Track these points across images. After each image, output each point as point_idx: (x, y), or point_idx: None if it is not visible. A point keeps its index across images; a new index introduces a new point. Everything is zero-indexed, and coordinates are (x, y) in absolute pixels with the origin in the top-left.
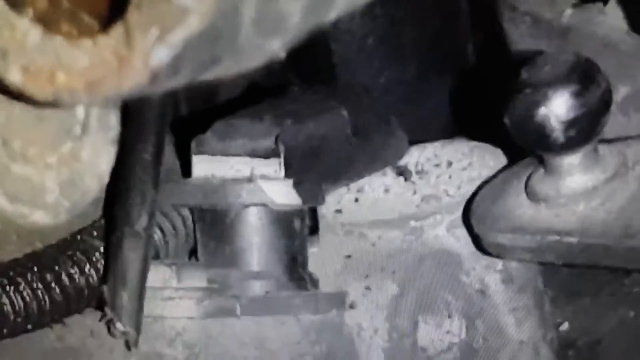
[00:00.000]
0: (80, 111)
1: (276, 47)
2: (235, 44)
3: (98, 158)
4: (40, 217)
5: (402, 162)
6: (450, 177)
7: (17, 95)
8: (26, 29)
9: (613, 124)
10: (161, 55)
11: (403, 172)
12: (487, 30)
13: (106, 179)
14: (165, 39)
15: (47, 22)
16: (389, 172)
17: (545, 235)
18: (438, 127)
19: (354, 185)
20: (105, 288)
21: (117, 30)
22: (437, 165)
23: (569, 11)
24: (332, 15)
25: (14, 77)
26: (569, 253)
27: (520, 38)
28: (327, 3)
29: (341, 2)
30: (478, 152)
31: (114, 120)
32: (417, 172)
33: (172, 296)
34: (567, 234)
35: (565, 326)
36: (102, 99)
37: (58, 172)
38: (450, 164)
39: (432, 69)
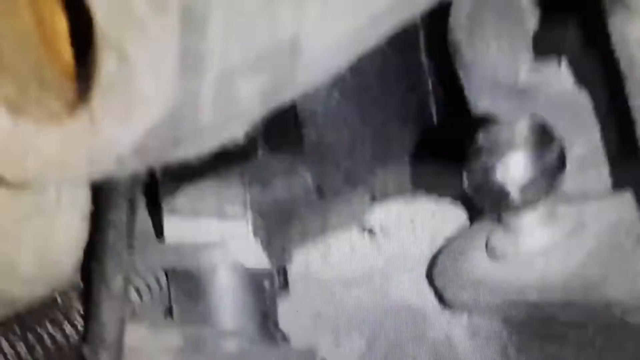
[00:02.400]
0: (52, 189)
1: (237, 130)
2: (196, 127)
3: (71, 234)
4: (17, 292)
5: (366, 221)
6: (413, 235)
7: None
8: None
9: (571, 181)
10: (125, 141)
11: (368, 231)
12: (448, 88)
13: (79, 253)
14: (128, 126)
15: (16, 108)
16: (355, 231)
17: (505, 292)
18: (402, 184)
19: (321, 244)
20: (85, 348)
21: (82, 116)
22: (400, 224)
23: (525, 72)
24: (290, 96)
25: None
26: (529, 309)
27: (479, 98)
28: (285, 86)
29: (300, 85)
30: (440, 210)
31: (84, 197)
32: (382, 231)
33: (149, 355)
34: (527, 291)
35: None
36: (70, 181)
37: (33, 248)
38: (413, 222)
39: (396, 124)
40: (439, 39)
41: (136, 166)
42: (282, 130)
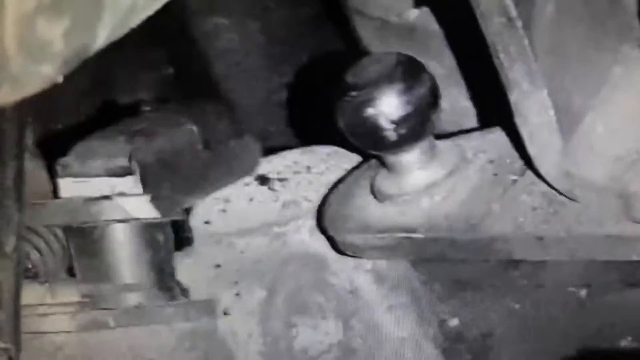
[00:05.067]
0: None
1: (50, 72)
2: (7, 71)
3: None
4: None
5: (264, 172)
6: (309, 182)
7: None
8: None
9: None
10: None
11: (265, 181)
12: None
13: None
14: None
15: None
16: (253, 182)
17: (392, 233)
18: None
19: (221, 197)
20: None
21: None
22: (297, 172)
23: (414, 11)
24: (99, 41)
25: None
26: (417, 248)
27: (371, 41)
28: (88, 29)
29: (105, 29)
30: (335, 157)
31: None
32: (279, 180)
33: (47, 312)
34: (413, 230)
35: (453, 321)
36: None
37: None
38: (309, 169)
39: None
40: None
41: None
42: (199, 86)
